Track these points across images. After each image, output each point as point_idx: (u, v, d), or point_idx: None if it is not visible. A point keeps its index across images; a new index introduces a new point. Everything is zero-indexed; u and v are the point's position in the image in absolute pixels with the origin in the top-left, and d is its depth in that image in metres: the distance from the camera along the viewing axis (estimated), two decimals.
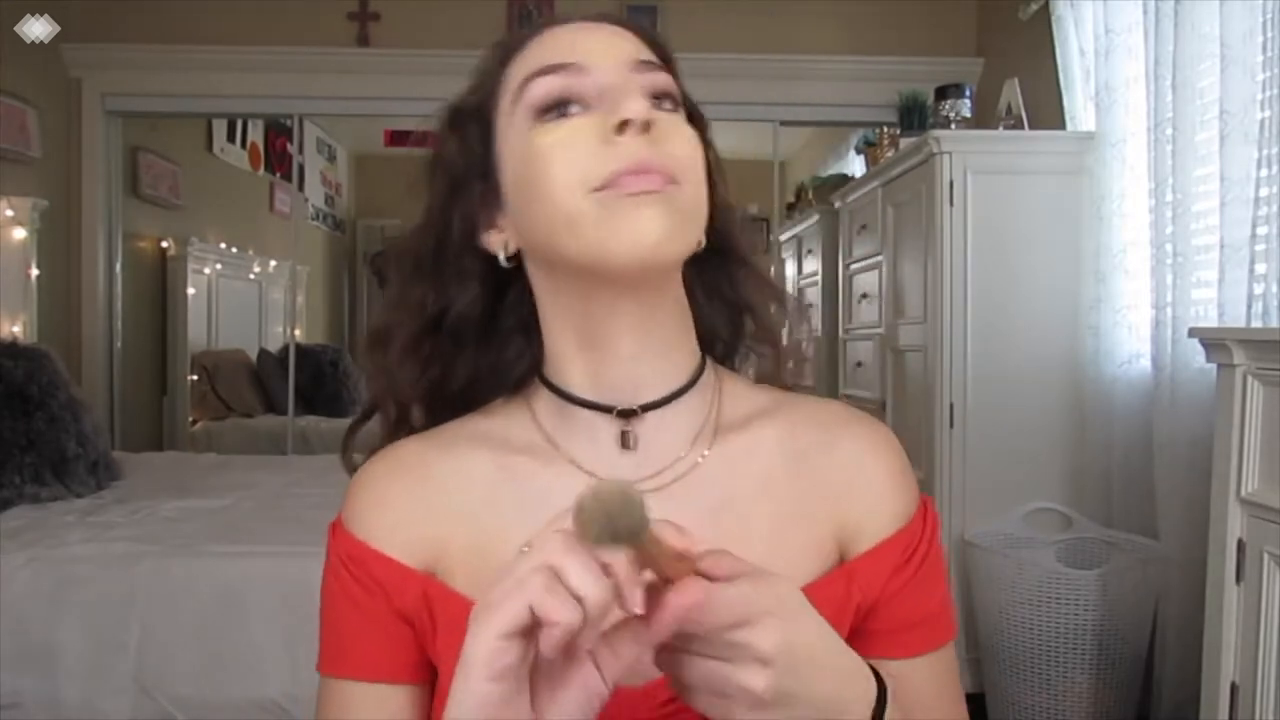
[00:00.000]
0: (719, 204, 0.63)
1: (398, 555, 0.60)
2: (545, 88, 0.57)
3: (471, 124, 0.63)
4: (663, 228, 0.54)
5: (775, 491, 0.62)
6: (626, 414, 0.61)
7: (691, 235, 0.58)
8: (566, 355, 0.61)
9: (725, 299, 0.68)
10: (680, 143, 0.57)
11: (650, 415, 0.61)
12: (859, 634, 0.62)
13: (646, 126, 0.54)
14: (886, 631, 0.63)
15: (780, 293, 0.70)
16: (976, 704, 2.31)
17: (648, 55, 0.60)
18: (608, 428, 0.61)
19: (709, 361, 0.66)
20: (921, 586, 0.63)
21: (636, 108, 0.54)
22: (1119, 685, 2.06)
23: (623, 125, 0.54)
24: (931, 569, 0.64)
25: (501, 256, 0.62)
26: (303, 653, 1.71)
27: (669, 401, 0.62)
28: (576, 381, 0.62)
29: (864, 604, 0.61)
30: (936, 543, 0.65)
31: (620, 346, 0.60)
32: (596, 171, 0.54)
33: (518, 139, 0.59)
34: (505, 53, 0.62)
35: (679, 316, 0.62)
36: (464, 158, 0.63)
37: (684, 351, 0.63)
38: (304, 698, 1.75)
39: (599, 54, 0.58)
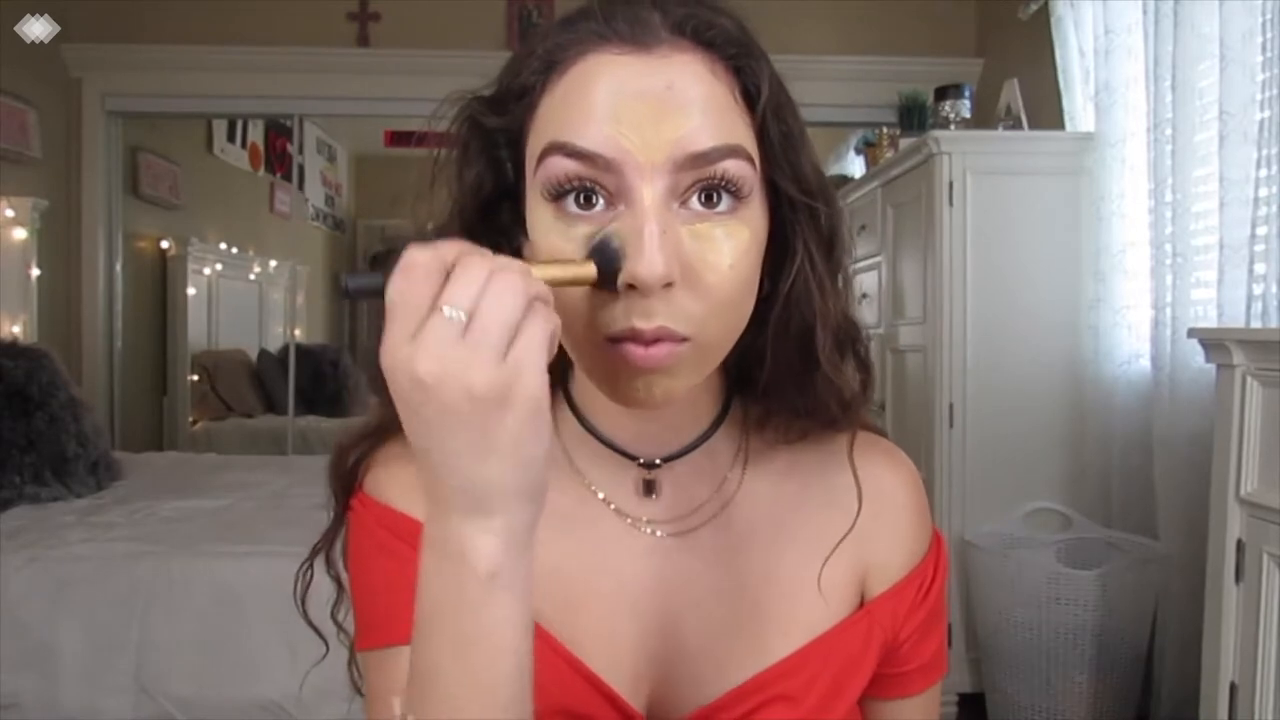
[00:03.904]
0: (811, 277, 0.56)
1: None
2: (563, 171, 0.50)
3: (502, 146, 0.56)
4: (665, 393, 0.51)
5: (802, 527, 0.62)
6: (649, 465, 0.60)
7: (707, 370, 0.54)
8: (590, 390, 0.58)
9: (787, 350, 0.58)
10: (709, 280, 0.50)
11: (675, 463, 0.61)
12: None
13: (661, 286, 0.48)
14: (894, 676, 0.64)
15: (864, 363, 0.60)
16: (976, 704, 2.31)
17: (709, 138, 0.49)
18: (629, 471, 0.61)
19: (736, 393, 0.63)
20: (929, 625, 0.64)
21: (649, 268, 0.47)
22: (1119, 685, 2.06)
23: (632, 286, 0.48)
24: (938, 606, 0.65)
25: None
26: (303, 653, 1.71)
27: (693, 449, 0.61)
28: (600, 416, 0.61)
29: (885, 644, 0.62)
30: (943, 579, 0.65)
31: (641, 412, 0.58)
32: (606, 322, 0.50)
33: (536, 212, 0.52)
34: (544, 71, 0.52)
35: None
36: (494, 180, 0.56)
37: (710, 394, 0.62)
38: (304, 698, 1.75)
39: (638, 144, 0.48)
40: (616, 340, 0.50)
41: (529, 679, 0.46)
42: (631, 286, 0.48)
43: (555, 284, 0.46)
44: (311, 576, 0.65)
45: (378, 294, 0.42)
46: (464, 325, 0.40)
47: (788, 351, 0.58)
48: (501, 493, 0.43)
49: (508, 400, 0.41)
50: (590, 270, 0.48)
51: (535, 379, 0.41)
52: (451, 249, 0.42)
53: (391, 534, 0.58)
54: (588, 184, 0.50)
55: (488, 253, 0.42)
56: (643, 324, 0.49)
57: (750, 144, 0.51)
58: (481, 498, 0.42)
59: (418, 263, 0.41)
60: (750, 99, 0.52)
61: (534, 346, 0.41)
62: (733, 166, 0.50)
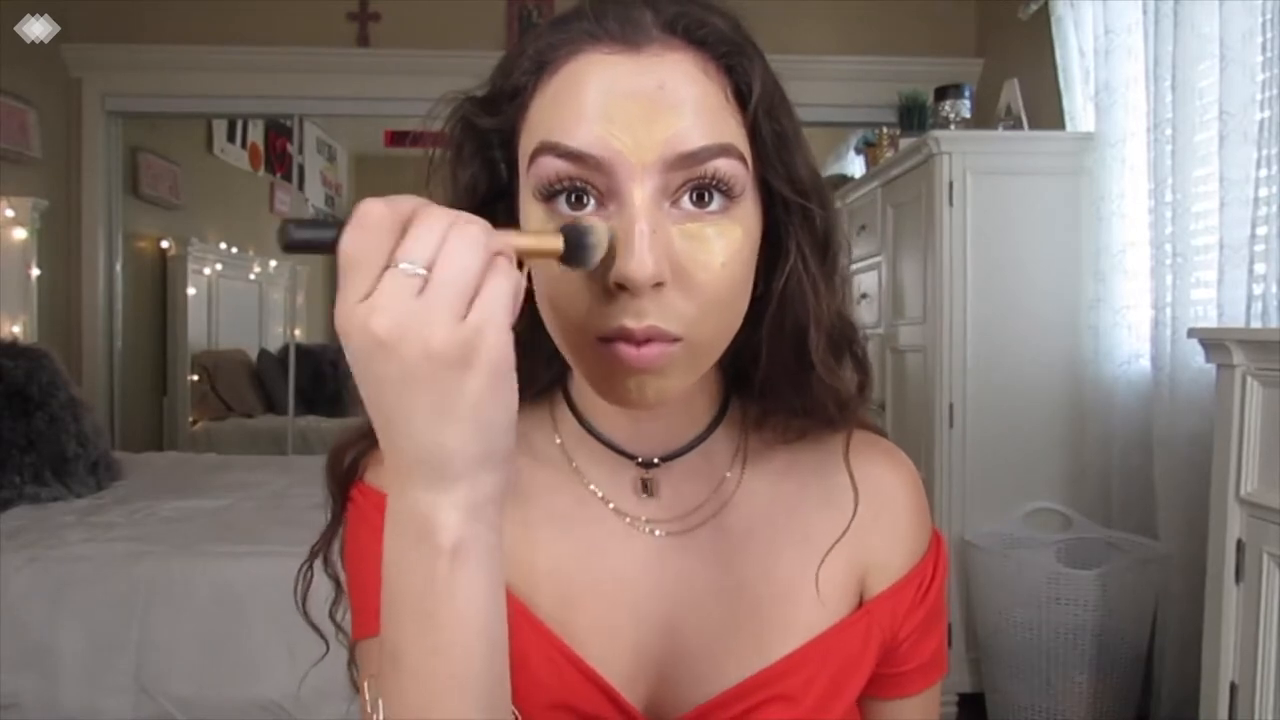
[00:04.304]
0: (804, 276, 0.55)
1: None
2: (554, 171, 0.49)
3: (496, 146, 0.56)
4: (657, 393, 0.51)
5: (801, 527, 0.61)
6: (647, 464, 0.60)
7: (700, 370, 0.54)
8: (589, 389, 0.56)
9: (782, 350, 0.58)
10: (700, 279, 0.49)
11: (673, 463, 0.60)
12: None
13: (652, 286, 0.48)
14: (893, 675, 0.64)
15: (862, 366, 0.60)
16: (976, 704, 2.31)
17: (700, 137, 0.49)
18: (628, 471, 0.61)
19: (735, 393, 0.63)
20: (928, 625, 0.64)
21: (639, 267, 0.46)
22: (1119, 685, 2.06)
23: (622, 286, 0.48)
24: (937, 606, 0.65)
25: (522, 275, 0.58)
26: (302, 653, 1.70)
27: (691, 448, 0.61)
28: (599, 416, 0.60)
29: (884, 644, 0.62)
30: (943, 578, 0.65)
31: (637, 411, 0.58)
32: (598, 322, 0.49)
33: (528, 211, 0.52)
34: (536, 71, 0.52)
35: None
36: (488, 180, 0.56)
37: (708, 393, 0.61)
38: (304, 698, 1.75)
39: (629, 145, 0.48)
40: (608, 340, 0.49)
41: (501, 657, 0.45)
42: (622, 287, 0.48)
43: (518, 253, 0.44)
44: (312, 577, 0.65)
45: (325, 248, 0.39)
46: (422, 281, 0.38)
47: (783, 352, 0.57)
48: (463, 460, 0.41)
49: (469, 361, 0.39)
50: (557, 242, 0.46)
51: (498, 338, 0.40)
52: (408, 202, 0.40)
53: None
54: (578, 184, 0.49)
55: (446, 208, 0.41)
56: (633, 324, 0.48)
57: (742, 143, 0.51)
58: (442, 466, 0.41)
59: (372, 215, 0.39)
60: (743, 98, 0.51)
61: (496, 304, 0.40)
62: (724, 165, 0.49)
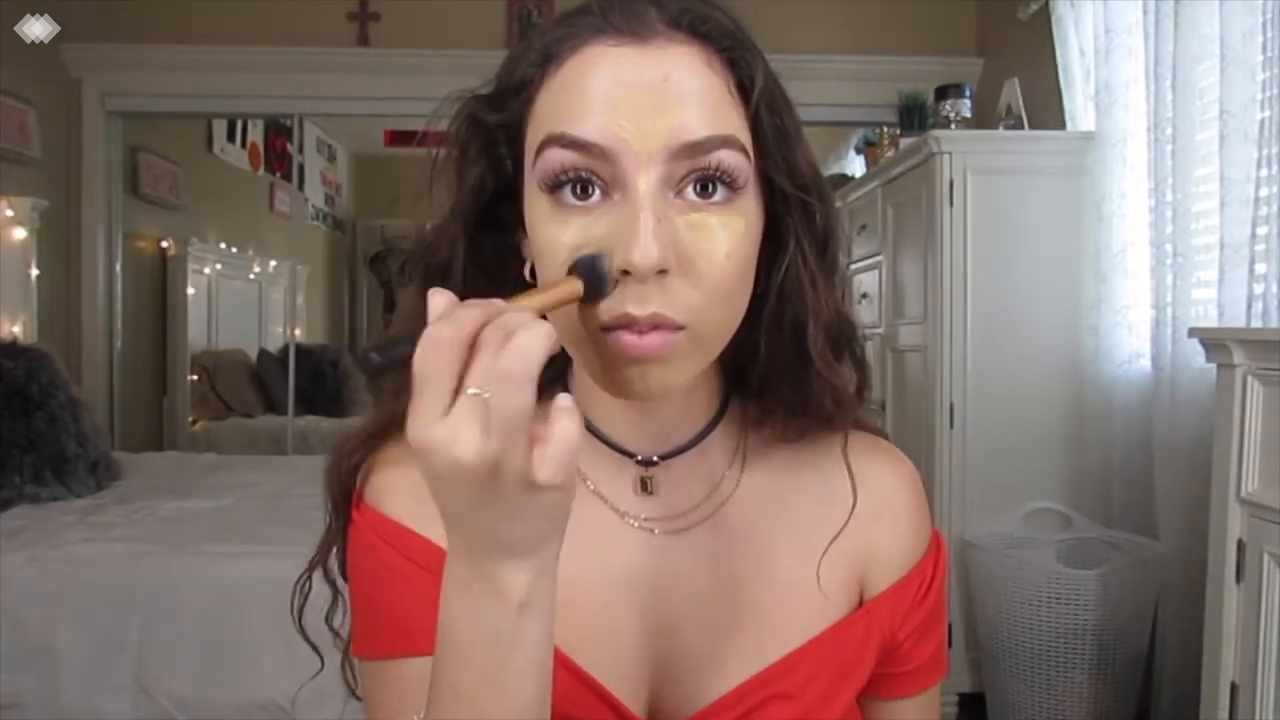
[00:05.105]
0: (803, 268, 0.56)
1: (431, 535, 0.57)
2: (560, 162, 0.50)
3: (501, 144, 0.56)
4: (660, 383, 0.51)
5: (799, 526, 0.61)
6: (646, 462, 0.60)
7: (703, 362, 0.54)
8: (589, 386, 0.57)
9: (781, 346, 0.58)
10: (704, 269, 0.50)
11: (672, 461, 0.60)
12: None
13: (656, 273, 0.48)
14: (893, 675, 0.64)
15: (860, 367, 0.61)
16: (976, 704, 2.31)
17: (704, 128, 0.49)
18: (628, 469, 0.61)
19: (735, 391, 0.63)
20: (928, 625, 0.64)
21: (643, 254, 0.47)
22: (1119, 685, 2.06)
23: (626, 273, 0.48)
24: (937, 606, 0.65)
25: (526, 271, 0.57)
26: (302, 653, 1.70)
27: (691, 447, 0.61)
28: (599, 413, 0.60)
29: (883, 644, 0.62)
30: (943, 579, 0.65)
31: (637, 406, 0.58)
32: (600, 310, 0.50)
33: (534, 204, 0.52)
34: (542, 64, 0.52)
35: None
36: (494, 179, 0.57)
37: (708, 391, 0.62)
38: (304, 698, 1.75)
39: (634, 134, 0.48)
40: (611, 329, 0.50)
41: (549, 687, 0.47)
42: (626, 273, 0.48)
43: (544, 312, 0.45)
44: (310, 589, 0.65)
45: (401, 365, 0.41)
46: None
47: (782, 347, 0.58)
48: (536, 541, 0.43)
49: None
50: (576, 286, 0.47)
51: (570, 452, 0.42)
52: (472, 319, 0.40)
53: (392, 549, 0.58)
54: (584, 174, 0.50)
55: (498, 306, 0.41)
56: (637, 310, 0.48)
57: (744, 136, 0.52)
58: (513, 549, 0.43)
59: (441, 337, 0.40)
60: (745, 92, 0.52)
61: (568, 428, 0.41)
62: (727, 157, 0.50)
